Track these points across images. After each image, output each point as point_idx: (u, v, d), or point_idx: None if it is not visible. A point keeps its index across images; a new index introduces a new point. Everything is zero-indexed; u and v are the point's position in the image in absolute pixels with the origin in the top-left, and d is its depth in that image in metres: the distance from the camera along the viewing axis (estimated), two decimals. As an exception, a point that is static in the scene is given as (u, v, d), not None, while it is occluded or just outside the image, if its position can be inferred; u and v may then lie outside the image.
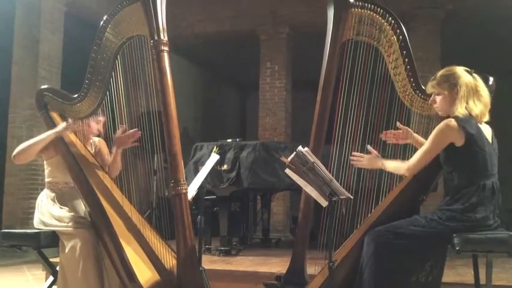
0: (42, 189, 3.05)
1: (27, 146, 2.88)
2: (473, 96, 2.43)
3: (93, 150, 3.10)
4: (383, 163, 2.59)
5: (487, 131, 2.46)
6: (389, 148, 2.77)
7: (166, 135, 2.66)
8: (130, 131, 3.00)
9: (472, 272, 2.56)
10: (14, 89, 6.90)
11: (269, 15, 8.01)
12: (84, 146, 3.03)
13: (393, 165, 2.58)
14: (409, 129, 2.71)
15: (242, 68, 9.86)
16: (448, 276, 2.96)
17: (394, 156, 2.70)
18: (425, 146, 2.45)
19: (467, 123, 2.37)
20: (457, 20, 7.45)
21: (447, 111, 2.48)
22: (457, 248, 2.31)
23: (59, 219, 2.78)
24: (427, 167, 2.50)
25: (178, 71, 2.82)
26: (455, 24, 7.43)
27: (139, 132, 2.99)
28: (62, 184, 2.94)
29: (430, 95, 2.59)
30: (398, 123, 2.70)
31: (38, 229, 2.84)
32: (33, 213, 2.99)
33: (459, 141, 2.37)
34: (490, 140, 2.45)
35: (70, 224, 2.74)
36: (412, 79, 2.63)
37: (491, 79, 2.57)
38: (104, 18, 2.81)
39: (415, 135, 2.72)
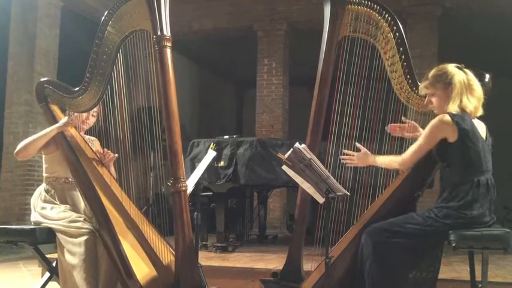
0: (38, 185, 3.03)
1: (29, 142, 2.87)
2: (467, 92, 2.44)
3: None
4: (375, 159, 2.59)
5: (481, 128, 2.47)
6: (386, 144, 2.77)
7: (167, 132, 2.63)
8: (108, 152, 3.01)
9: (468, 269, 2.57)
10: (10, 84, 6.88)
11: (267, 11, 8.00)
12: (84, 140, 3.02)
13: (385, 161, 2.57)
14: (415, 124, 2.71)
15: (239, 65, 9.85)
16: (444, 273, 2.97)
17: (390, 152, 2.70)
18: (418, 141, 2.46)
19: (461, 118, 2.38)
20: (454, 17, 7.45)
21: (444, 109, 2.49)
22: (454, 245, 2.32)
23: (51, 219, 2.78)
24: (423, 162, 2.51)
25: (175, 67, 2.79)
26: (452, 21, 7.43)
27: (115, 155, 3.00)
28: (63, 179, 2.93)
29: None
30: (404, 118, 2.70)
31: (35, 225, 2.83)
32: (29, 209, 2.98)
33: (452, 137, 2.38)
34: (484, 136, 2.46)
35: (65, 223, 2.73)
36: (408, 76, 2.64)
37: (487, 76, 2.58)
38: (107, 12, 2.78)
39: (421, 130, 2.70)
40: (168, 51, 2.66)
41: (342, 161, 2.65)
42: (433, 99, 2.52)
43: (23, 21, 6.83)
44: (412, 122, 2.71)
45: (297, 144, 2.41)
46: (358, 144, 2.65)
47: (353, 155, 2.63)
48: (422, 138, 2.45)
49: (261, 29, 8.09)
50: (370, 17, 2.69)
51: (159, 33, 2.65)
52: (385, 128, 2.72)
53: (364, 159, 2.62)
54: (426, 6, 7.28)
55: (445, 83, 2.46)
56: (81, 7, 7.38)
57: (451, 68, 2.48)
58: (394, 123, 2.74)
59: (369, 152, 2.63)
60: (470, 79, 2.46)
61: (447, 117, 2.38)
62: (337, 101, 2.70)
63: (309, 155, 2.38)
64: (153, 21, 2.66)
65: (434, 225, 2.36)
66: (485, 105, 2.51)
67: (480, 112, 2.48)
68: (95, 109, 3.03)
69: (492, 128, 2.54)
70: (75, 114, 2.99)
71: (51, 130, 2.88)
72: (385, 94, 2.70)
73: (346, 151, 2.65)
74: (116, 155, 2.99)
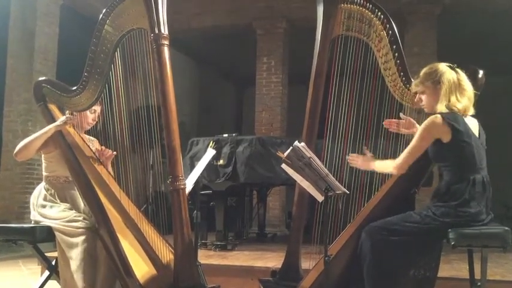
0: (38, 184, 3.03)
1: (27, 142, 2.86)
2: (456, 91, 2.44)
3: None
4: (374, 165, 2.57)
5: (474, 125, 2.47)
6: (381, 142, 2.77)
7: (165, 130, 2.63)
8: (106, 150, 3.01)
9: (467, 267, 2.57)
10: (9, 82, 6.88)
11: (266, 9, 7.99)
12: (82, 139, 3.02)
13: (381, 165, 2.56)
14: (412, 120, 2.70)
15: (239, 63, 9.84)
16: (443, 271, 2.97)
17: (385, 150, 2.71)
18: (412, 143, 2.45)
19: (453, 118, 2.38)
20: (453, 15, 7.45)
21: (433, 108, 2.49)
22: (453, 243, 2.32)
23: (50, 218, 2.78)
24: (417, 160, 2.51)
25: (174, 65, 2.80)
26: (452, 19, 7.43)
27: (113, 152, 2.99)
28: (63, 178, 2.92)
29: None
30: (401, 114, 2.70)
31: (34, 224, 2.83)
32: (29, 207, 2.98)
33: (446, 137, 2.37)
34: (477, 134, 2.45)
35: (63, 222, 2.73)
36: (402, 73, 2.64)
37: (481, 72, 2.58)
38: (104, 11, 2.78)
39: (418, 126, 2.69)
40: (166, 50, 2.65)
41: (348, 161, 2.65)
42: (423, 97, 2.53)
43: (22, 19, 6.82)
44: (409, 118, 2.71)
45: (296, 143, 2.41)
46: (365, 148, 2.65)
47: (357, 158, 2.62)
48: (415, 140, 2.44)
49: (260, 27, 8.09)
50: (363, 16, 2.69)
51: (156, 31, 2.64)
52: (383, 123, 2.72)
53: (367, 164, 2.60)
54: (425, 5, 7.28)
55: (434, 81, 2.47)
56: (80, 5, 7.37)
57: (442, 66, 2.49)
58: (400, 116, 2.73)
59: (373, 157, 2.61)
60: (461, 79, 2.46)
61: (439, 118, 2.37)
62: (332, 100, 2.70)
63: (308, 153, 2.38)
64: (151, 19, 2.66)
65: (432, 223, 2.36)
66: (484, 102, 2.51)
67: (471, 112, 2.47)
68: (99, 109, 3.03)
69: (490, 125, 2.54)
70: (75, 113, 2.99)
71: (49, 129, 2.87)
72: (380, 92, 2.70)
73: (351, 154, 2.65)
74: (115, 152, 2.99)
